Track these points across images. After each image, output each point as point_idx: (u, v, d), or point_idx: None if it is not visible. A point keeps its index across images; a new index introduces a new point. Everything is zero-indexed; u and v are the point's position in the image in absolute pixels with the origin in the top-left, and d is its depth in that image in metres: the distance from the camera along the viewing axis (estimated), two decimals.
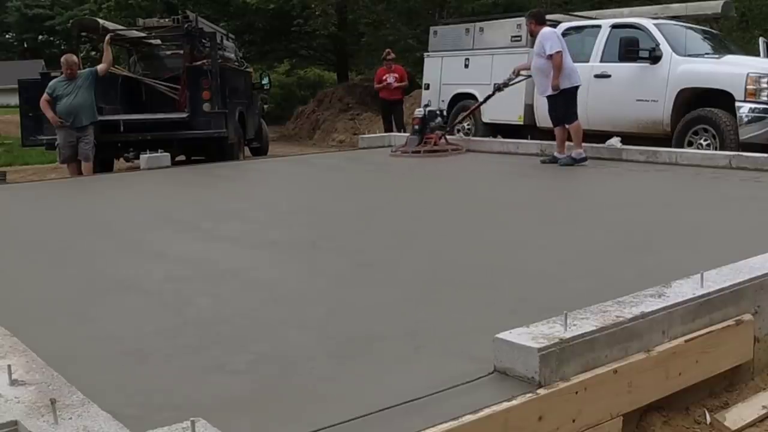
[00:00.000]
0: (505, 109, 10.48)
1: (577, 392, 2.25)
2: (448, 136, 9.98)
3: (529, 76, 8.85)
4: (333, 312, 3.27)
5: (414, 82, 16.18)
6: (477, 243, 4.64)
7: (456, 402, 2.18)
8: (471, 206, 6.07)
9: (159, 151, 9.18)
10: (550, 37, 7.91)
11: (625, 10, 11.67)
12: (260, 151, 13.77)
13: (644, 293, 2.72)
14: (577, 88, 8.03)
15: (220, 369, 2.61)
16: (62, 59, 9.10)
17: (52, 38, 46.62)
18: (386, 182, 7.96)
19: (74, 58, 9.31)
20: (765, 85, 8.19)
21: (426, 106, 10.35)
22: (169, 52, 12.74)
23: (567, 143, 8.15)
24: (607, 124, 9.30)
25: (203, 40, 10.90)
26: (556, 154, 8.23)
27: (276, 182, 8.33)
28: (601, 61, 9.57)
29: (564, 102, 7.98)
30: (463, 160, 9.09)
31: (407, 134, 10.38)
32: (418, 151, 9.39)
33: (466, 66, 11.68)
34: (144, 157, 9.06)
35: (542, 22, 8.24)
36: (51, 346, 2.73)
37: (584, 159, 8.03)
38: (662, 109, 8.91)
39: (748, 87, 8.21)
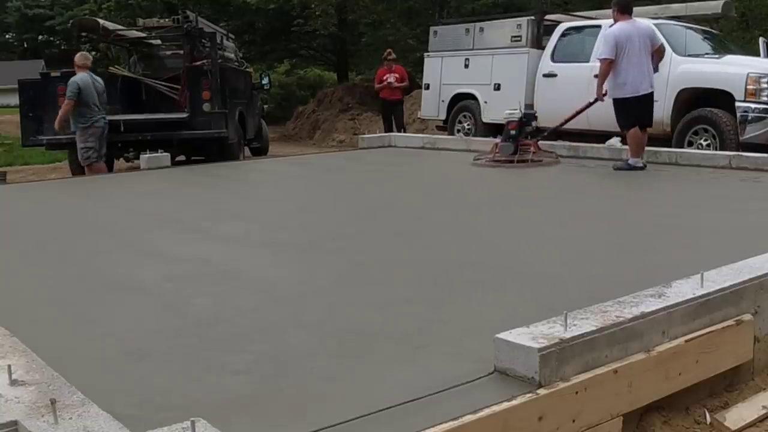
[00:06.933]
0: (505, 109, 10.46)
1: (577, 392, 2.25)
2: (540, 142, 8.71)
3: None
4: (333, 312, 3.27)
5: (414, 82, 16.18)
6: (477, 243, 4.64)
7: (456, 402, 2.18)
8: (471, 206, 6.07)
9: (159, 151, 9.18)
10: (607, 40, 7.41)
11: None
12: (260, 151, 13.79)
13: (644, 293, 2.72)
14: (626, 99, 7.37)
15: (220, 369, 2.60)
16: (80, 55, 8.97)
17: (52, 38, 46.54)
18: (387, 182, 7.95)
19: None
20: (765, 85, 8.19)
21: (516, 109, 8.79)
22: (169, 52, 12.75)
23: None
24: (607, 124, 9.28)
25: (203, 40, 10.91)
26: (630, 160, 7.57)
27: (276, 182, 8.33)
28: None
29: (616, 109, 7.56)
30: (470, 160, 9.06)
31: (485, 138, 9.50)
32: (511, 161, 8.21)
33: (466, 66, 11.68)
34: (144, 157, 9.07)
35: (624, 12, 7.51)
36: (51, 346, 2.73)
37: (641, 168, 7.44)
38: (662, 109, 8.90)
39: (748, 87, 8.21)
